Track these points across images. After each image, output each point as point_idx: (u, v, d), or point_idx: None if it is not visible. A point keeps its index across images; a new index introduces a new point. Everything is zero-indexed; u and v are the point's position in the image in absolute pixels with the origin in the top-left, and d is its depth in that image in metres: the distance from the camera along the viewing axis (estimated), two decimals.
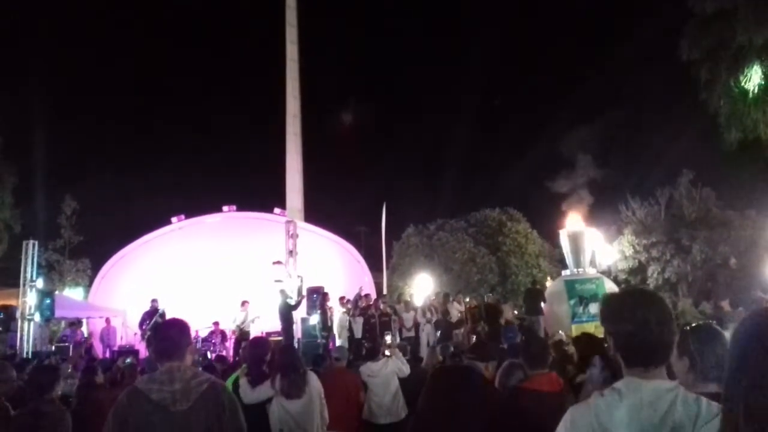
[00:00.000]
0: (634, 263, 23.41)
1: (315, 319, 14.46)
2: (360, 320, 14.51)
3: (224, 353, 13.98)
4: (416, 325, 14.91)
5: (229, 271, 17.54)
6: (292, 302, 13.90)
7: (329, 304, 15.02)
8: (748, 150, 19.83)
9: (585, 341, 5.06)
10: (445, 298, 15.55)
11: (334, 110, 39.62)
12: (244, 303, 15.24)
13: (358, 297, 15.25)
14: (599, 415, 1.80)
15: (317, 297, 14.46)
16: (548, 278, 20.13)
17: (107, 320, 17.20)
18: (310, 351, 12.13)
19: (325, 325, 14.41)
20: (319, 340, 14.03)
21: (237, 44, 49.07)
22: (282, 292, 14.02)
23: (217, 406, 2.84)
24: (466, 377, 3.83)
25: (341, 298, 15.70)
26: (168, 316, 13.94)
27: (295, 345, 12.77)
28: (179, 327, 3.03)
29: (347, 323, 14.74)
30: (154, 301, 15.21)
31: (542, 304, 15.07)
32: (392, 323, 14.67)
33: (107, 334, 16.93)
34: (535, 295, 15.62)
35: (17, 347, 14.06)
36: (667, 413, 1.70)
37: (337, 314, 15.27)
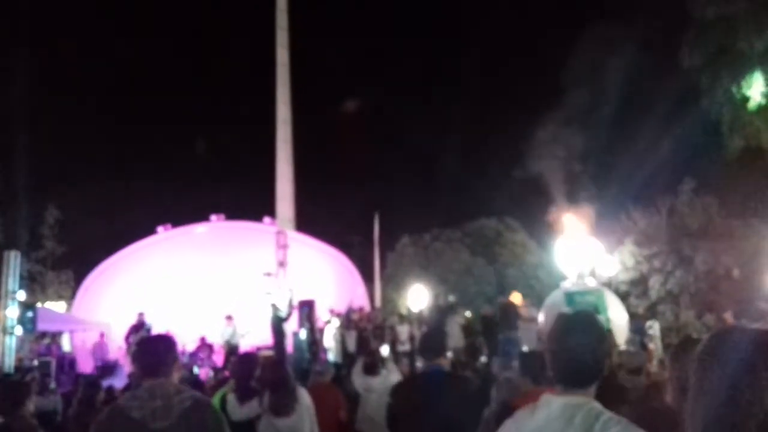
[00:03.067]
0: (636, 274, 22.94)
1: (305, 333, 14.03)
2: (353, 333, 14.07)
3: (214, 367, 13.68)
4: (411, 338, 14.47)
5: (217, 282, 17.13)
6: (283, 315, 13.46)
7: (320, 316, 14.59)
8: (751, 158, 19.56)
9: None
10: (435, 310, 15.08)
11: (326, 116, 39.10)
12: (229, 318, 14.85)
13: (350, 310, 14.84)
14: (518, 425, 1.99)
15: (306, 310, 14.03)
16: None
17: (101, 335, 16.72)
18: (298, 366, 11.75)
19: (313, 339, 13.96)
20: (305, 355, 13.60)
21: (225, 48, 48.38)
22: (273, 306, 13.59)
23: (201, 424, 2.76)
24: None
25: (332, 310, 15.24)
26: (154, 330, 13.63)
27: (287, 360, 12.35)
28: (165, 343, 2.98)
29: (340, 337, 14.28)
30: (141, 314, 14.85)
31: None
32: (386, 336, 14.30)
33: (100, 348, 16.41)
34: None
35: None
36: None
37: (332, 327, 14.82)
